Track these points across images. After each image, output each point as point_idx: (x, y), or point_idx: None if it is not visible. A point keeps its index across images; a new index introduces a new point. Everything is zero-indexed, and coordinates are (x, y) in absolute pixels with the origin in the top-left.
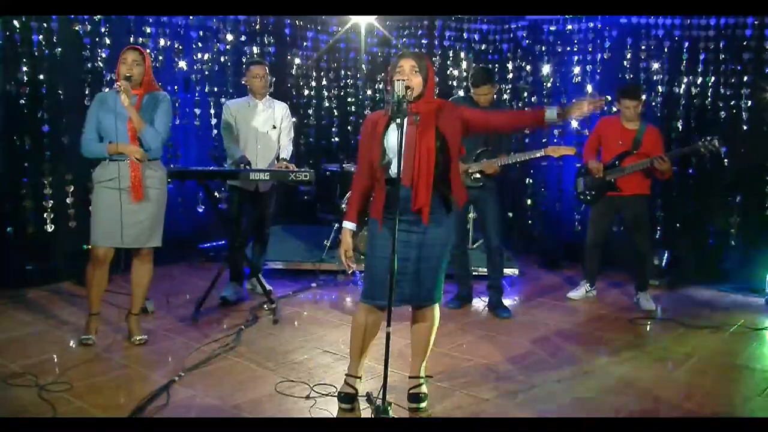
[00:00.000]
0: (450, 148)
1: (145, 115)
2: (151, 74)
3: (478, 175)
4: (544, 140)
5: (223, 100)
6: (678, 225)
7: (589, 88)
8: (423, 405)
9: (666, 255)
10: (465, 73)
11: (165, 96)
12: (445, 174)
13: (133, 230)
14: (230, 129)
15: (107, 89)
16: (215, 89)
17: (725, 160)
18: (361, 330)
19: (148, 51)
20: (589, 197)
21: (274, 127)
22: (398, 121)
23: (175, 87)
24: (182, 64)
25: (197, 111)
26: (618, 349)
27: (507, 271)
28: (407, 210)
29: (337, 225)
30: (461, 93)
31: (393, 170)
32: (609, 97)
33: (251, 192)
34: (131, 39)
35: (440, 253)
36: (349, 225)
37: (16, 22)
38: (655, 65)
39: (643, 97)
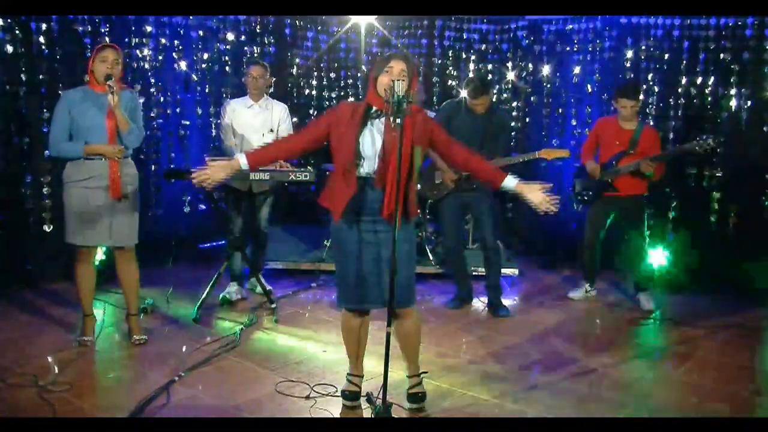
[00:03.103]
0: (417, 158)
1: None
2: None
3: (469, 178)
4: (544, 140)
5: (224, 98)
6: (676, 225)
7: (589, 88)
8: (422, 405)
9: (665, 255)
10: (464, 73)
11: (136, 93)
12: (409, 182)
13: (113, 228)
14: (228, 129)
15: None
16: (215, 89)
17: (720, 160)
18: (353, 333)
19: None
20: (586, 198)
21: (272, 130)
22: (398, 121)
23: (176, 87)
24: (182, 64)
25: (198, 111)
26: (618, 349)
27: (507, 271)
28: (375, 211)
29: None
30: (462, 94)
31: (364, 169)
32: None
33: (245, 193)
34: (131, 39)
35: (410, 250)
36: (243, 160)
37: (15, 22)
38: (655, 65)
39: (641, 96)
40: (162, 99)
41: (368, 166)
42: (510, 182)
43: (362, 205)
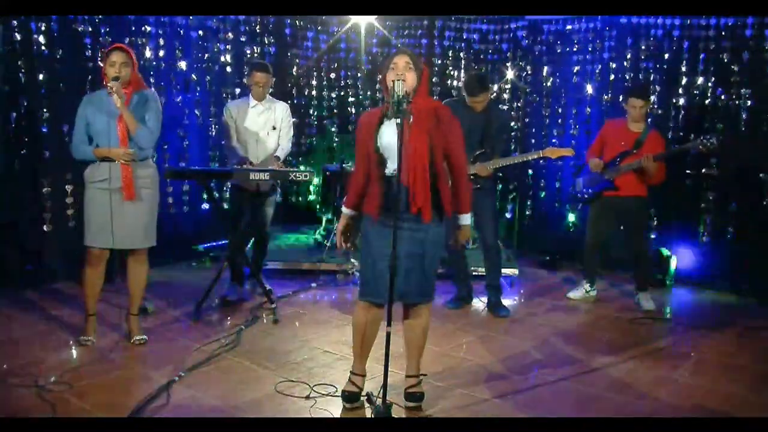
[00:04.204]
0: (437, 156)
1: (135, 114)
2: (138, 72)
3: (472, 177)
4: (544, 140)
5: (224, 98)
6: (676, 225)
7: (589, 88)
8: (420, 404)
9: (665, 255)
10: (464, 73)
11: (153, 94)
12: (437, 178)
13: (127, 231)
14: (230, 130)
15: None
16: (215, 89)
17: (720, 160)
18: (362, 328)
19: (133, 50)
20: (586, 197)
21: (274, 128)
22: (398, 120)
23: (178, 87)
24: (182, 64)
25: (197, 111)
26: (618, 349)
27: (507, 271)
28: (402, 208)
29: (337, 225)
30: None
31: (389, 168)
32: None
33: (252, 192)
34: (131, 39)
35: (434, 251)
36: (347, 211)
37: (15, 22)
38: (655, 65)
39: (652, 98)
40: (162, 99)
41: (391, 165)
42: (465, 220)
43: (392, 204)
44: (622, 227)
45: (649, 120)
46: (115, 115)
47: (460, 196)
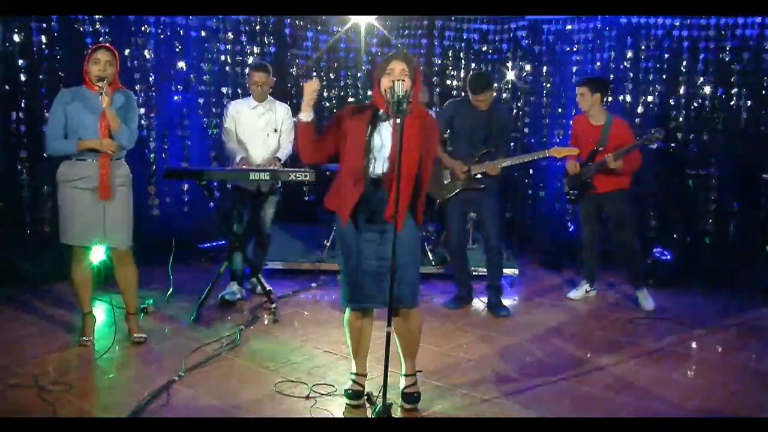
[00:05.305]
0: (424, 162)
1: (117, 113)
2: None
3: (479, 176)
4: (543, 140)
5: (224, 98)
6: (676, 225)
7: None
8: (416, 405)
9: (665, 255)
10: (464, 73)
11: (131, 94)
12: (419, 185)
13: (106, 229)
14: (231, 131)
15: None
16: (215, 89)
17: (720, 160)
18: (355, 333)
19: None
20: (573, 197)
21: (276, 130)
22: (398, 120)
23: (178, 87)
24: (182, 64)
25: (200, 111)
26: (618, 349)
27: (507, 271)
28: (382, 212)
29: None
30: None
31: (374, 171)
32: None
33: (252, 192)
34: (131, 39)
35: (415, 250)
36: (310, 114)
37: (16, 22)
38: (655, 65)
39: (650, 97)
40: (161, 99)
41: (377, 167)
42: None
43: (370, 206)
44: (610, 224)
45: (650, 119)
46: (97, 113)
47: (418, 205)
